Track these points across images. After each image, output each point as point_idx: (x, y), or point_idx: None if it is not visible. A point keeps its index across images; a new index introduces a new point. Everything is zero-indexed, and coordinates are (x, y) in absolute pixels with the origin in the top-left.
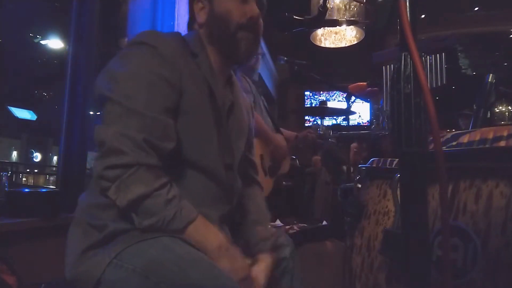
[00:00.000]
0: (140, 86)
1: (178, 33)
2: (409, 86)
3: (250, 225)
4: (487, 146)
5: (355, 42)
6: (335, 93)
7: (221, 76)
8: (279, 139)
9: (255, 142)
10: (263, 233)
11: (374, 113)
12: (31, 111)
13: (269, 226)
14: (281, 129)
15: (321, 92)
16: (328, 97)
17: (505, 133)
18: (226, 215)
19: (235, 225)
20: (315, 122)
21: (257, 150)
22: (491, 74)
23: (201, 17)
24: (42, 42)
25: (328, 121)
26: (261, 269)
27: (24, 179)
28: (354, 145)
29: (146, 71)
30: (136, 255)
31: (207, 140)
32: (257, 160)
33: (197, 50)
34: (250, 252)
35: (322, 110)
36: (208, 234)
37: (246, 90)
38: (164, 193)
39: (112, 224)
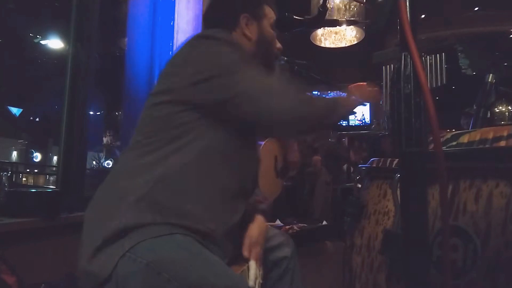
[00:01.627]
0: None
1: None
2: (409, 86)
3: None
4: (487, 146)
5: (355, 42)
6: (341, 94)
7: None
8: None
9: (271, 143)
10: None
11: (374, 113)
12: (20, 108)
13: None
14: None
15: (329, 92)
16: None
17: (505, 133)
18: (235, 225)
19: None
20: None
21: (272, 151)
22: (491, 74)
23: (251, 33)
24: (42, 42)
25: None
26: (256, 226)
27: (24, 179)
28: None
29: (240, 54)
30: (150, 250)
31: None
32: (271, 161)
33: None
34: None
35: None
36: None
37: None
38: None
39: (125, 218)
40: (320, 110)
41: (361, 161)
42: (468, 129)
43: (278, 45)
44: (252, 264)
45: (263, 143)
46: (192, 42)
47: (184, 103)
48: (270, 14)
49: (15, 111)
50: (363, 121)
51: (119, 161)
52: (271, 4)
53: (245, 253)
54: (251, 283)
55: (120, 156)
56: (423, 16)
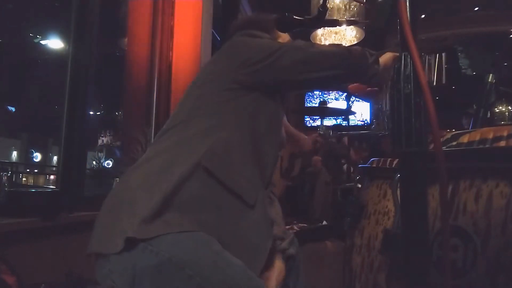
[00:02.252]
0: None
1: None
2: (409, 86)
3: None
4: (487, 146)
5: (355, 42)
6: (343, 93)
7: None
8: (298, 133)
9: None
10: (279, 233)
11: (374, 113)
12: (13, 107)
13: (284, 226)
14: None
15: (330, 92)
16: (337, 97)
17: (505, 133)
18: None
19: None
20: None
21: None
22: (491, 74)
23: None
24: (42, 42)
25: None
26: (273, 274)
27: (24, 179)
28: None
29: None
30: (173, 245)
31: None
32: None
33: None
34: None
35: (322, 110)
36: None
37: None
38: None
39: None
40: (357, 53)
41: (361, 161)
42: (469, 129)
43: None
44: None
45: None
46: (237, 38)
47: (229, 83)
48: (282, 35)
49: (15, 110)
50: (365, 121)
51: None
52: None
53: None
54: None
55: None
56: (423, 16)
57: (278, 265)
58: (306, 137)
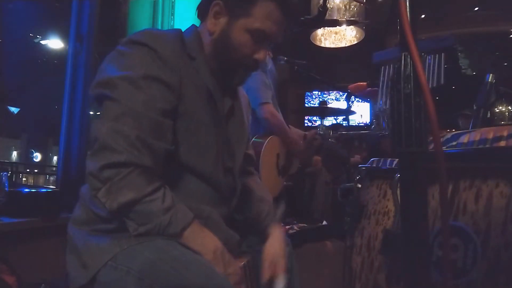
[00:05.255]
0: (139, 88)
1: (178, 32)
2: (409, 86)
3: (257, 201)
4: (487, 146)
5: (355, 42)
6: (344, 93)
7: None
8: (294, 133)
9: (275, 140)
10: (269, 208)
11: (374, 113)
12: (17, 108)
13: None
14: (291, 126)
15: (330, 91)
16: (337, 97)
17: (505, 133)
18: (225, 216)
19: (235, 224)
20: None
21: (275, 148)
22: (491, 74)
23: (214, 27)
24: (42, 42)
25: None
26: (275, 241)
27: (24, 179)
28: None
29: (145, 74)
30: (130, 257)
31: (205, 144)
32: (273, 159)
33: (195, 54)
34: (259, 226)
35: (322, 110)
36: (204, 238)
37: (268, 87)
38: (158, 197)
39: (115, 221)
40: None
41: (361, 161)
42: (466, 129)
43: (256, 56)
44: (280, 278)
45: (266, 140)
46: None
47: None
48: (261, 18)
49: (16, 111)
50: (365, 123)
51: None
52: (281, 9)
53: (266, 274)
54: None
55: None
56: (423, 16)
57: (276, 232)
58: (301, 133)
